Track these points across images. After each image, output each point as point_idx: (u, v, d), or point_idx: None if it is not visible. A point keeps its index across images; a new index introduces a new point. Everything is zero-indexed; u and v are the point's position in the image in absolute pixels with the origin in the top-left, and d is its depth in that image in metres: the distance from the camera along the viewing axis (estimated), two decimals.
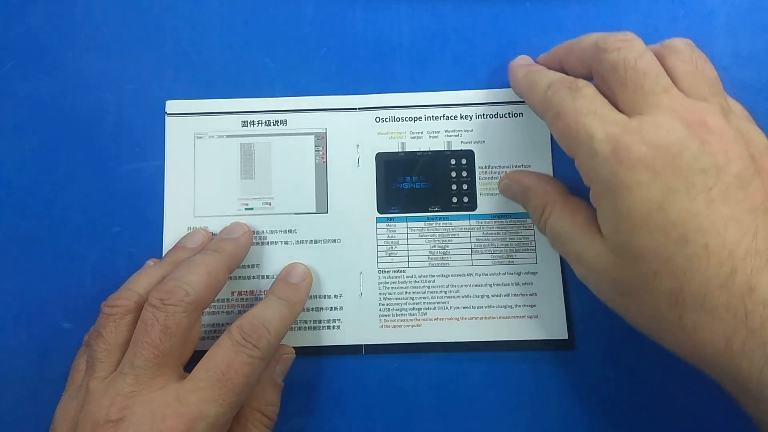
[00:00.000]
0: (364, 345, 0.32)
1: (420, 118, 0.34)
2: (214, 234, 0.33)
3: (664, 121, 0.24)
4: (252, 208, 0.33)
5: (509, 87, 0.33)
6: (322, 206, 0.33)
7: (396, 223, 0.33)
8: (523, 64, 0.32)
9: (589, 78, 0.28)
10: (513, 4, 0.35)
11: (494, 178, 0.33)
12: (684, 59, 0.27)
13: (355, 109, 0.34)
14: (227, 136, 0.34)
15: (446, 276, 0.32)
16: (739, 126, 0.26)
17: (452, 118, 0.34)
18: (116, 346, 0.27)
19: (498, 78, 0.34)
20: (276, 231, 0.33)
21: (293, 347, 0.32)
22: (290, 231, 0.33)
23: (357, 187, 0.33)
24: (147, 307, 0.27)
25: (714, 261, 0.23)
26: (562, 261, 0.32)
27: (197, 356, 0.27)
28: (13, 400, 0.32)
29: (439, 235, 0.33)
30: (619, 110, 0.26)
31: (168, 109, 0.34)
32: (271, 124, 0.34)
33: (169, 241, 0.33)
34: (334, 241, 0.33)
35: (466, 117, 0.34)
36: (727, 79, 0.33)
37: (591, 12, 0.34)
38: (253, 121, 0.34)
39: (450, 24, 0.35)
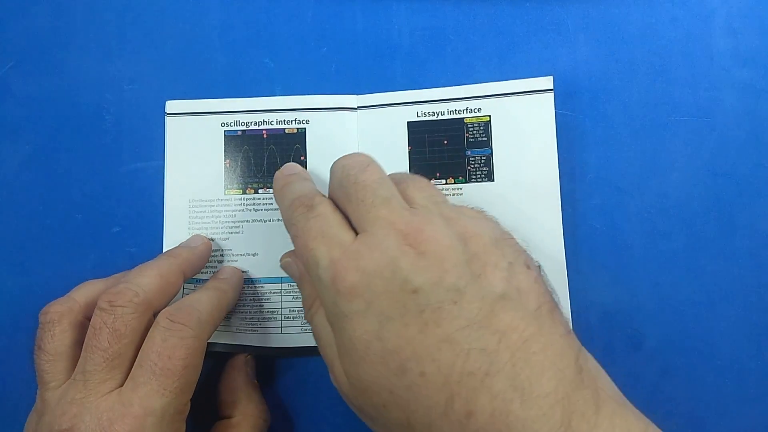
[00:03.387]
0: None
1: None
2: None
3: (379, 240, 0.23)
4: (253, 208, 0.33)
5: (513, 80, 0.33)
6: None
7: None
8: (285, 174, 0.30)
9: None
10: (513, 4, 0.35)
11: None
12: (396, 179, 0.27)
13: (355, 108, 0.34)
14: (227, 136, 0.34)
15: None
16: (461, 224, 0.24)
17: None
18: (58, 355, 0.27)
19: (498, 77, 0.34)
20: (275, 228, 0.33)
21: (294, 347, 0.32)
22: None
23: None
24: (96, 311, 0.26)
25: (431, 389, 0.21)
26: (564, 260, 0.32)
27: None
28: (13, 401, 0.32)
29: None
30: (352, 224, 0.25)
31: (168, 109, 0.34)
32: (271, 123, 0.34)
33: (169, 241, 0.33)
34: None
35: (475, 110, 0.34)
36: (727, 79, 0.33)
37: (591, 12, 0.34)
38: (253, 121, 0.34)
39: (450, 24, 0.35)
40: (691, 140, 0.33)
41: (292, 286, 0.33)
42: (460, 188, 0.33)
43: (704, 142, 0.33)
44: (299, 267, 0.29)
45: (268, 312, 0.33)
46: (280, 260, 0.31)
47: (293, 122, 0.34)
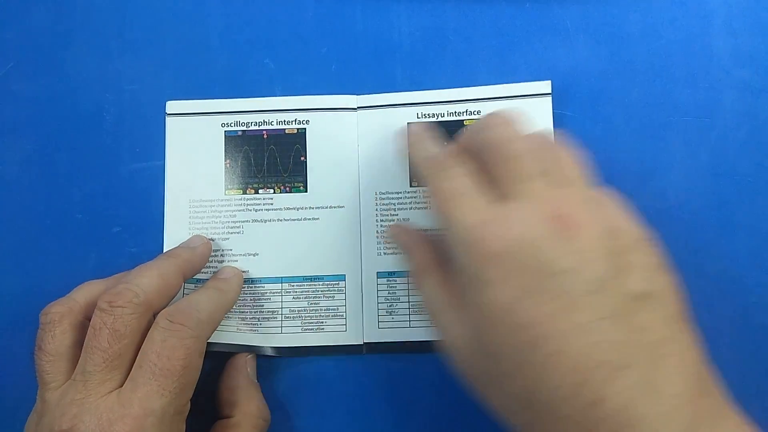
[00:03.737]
0: (365, 344, 0.32)
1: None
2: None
3: (526, 213, 0.23)
4: (253, 208, 0.33)
5: (512, 83, 0.33)
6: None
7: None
8: (415, 132, 0.30)
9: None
10: (513, 4, 0.35)
11: None
12: (547, 148, 0.26)
13: (355, 109, 0.34)
14: (227, 137, 0.34)
15: None
16: (609, 215, 0.24)
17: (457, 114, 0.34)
18: (58, 355, 0.27)
19: (498, 78, 0.34)
20: (275, 228, 0.33)
21: (295, 347, 0.32)
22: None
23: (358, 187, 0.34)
24: (96, 312, 0.26)
25: (562, 370, 0.21)
26: None
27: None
28: (13, 401, 0.32)
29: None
30: (492, 191, 0.25)
31: (168, 109, 0.34)
32: (272, 123, 0.34)
33: (169, 241, 0.33)
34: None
35: (475, 112, 0.34)
36: (727, 79, 0.33)
37: (591, 12, 0.34)
38: (254, 121, 0.34)
39: (450, 24, 0.35)
40: (691, 140, 0.33)
41: (292, 286, 0.33)
42: None
43: (704, 142, 0.33)
44: (402, 241, 0.30)
45: (268, 312, 0.33)
46: (389, 230, 0.32)
47: (293, 122, 0.34)
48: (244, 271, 0.33)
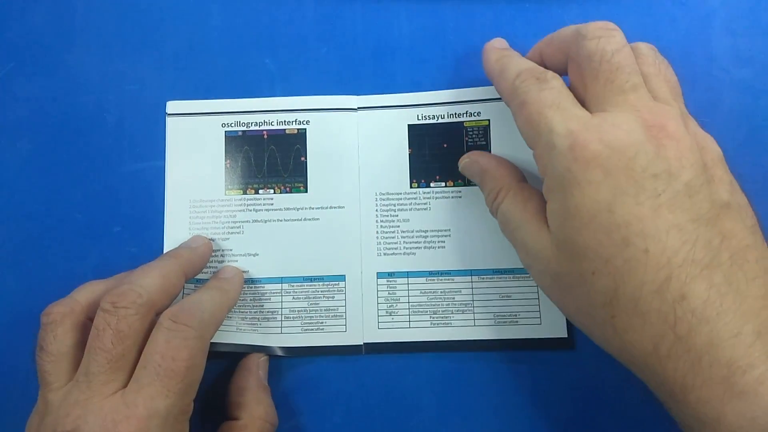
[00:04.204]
0: (365, 344, 0.32)
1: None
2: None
3: (624, 121, 0.24)
4: (253, 208, 0.33)
5: None
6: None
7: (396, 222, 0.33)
8: (498, 47, 0.31)
9: (565, 71, 0.28)
10: (513, 4, 0.35)
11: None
12: (648, 62, 0.27)
13: (356, 109, 0.34)
14: (228, 137, 0.34)
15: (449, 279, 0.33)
16: (696, 133, 0.26)
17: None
18: (60, 356, 0.27)
19: None
20: (275, 228, 0.33)
21: (295, 347, 0.32)
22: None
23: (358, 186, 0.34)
24: (99, 312, 0.26)
25: (651, 266, 0.23)
26: None
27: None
28: (14, 401, 0.32)
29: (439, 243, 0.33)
30: (586, 102, 0.26)
31: (168, 110, 0.34)
32: (272, 124, 0.34)
33: (169, 241, 0.33)
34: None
35: (475, 114, 0.34)
36: (727, 79, 0.33)
37: (591, 12, 0.34)
38: (254, 122, 0.34)
39: (450, 24, 0.35)
40: None
41: (292, 286, 0.33)
42: (459, 191, 0.33)
43: None
44: (481, 164, 0.31)
45: (268, 312, 0.33)
46: (460, 161, 0.32)
47: (294, 123, 0.34)
48: (244, 271, 0.33)
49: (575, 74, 0.27)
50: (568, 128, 0.25)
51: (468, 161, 0.32)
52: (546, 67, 0.28)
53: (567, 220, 0.24)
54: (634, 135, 0.24)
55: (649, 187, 0.23)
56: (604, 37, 0.26)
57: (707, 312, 0.22)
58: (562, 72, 0.28)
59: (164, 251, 0.33)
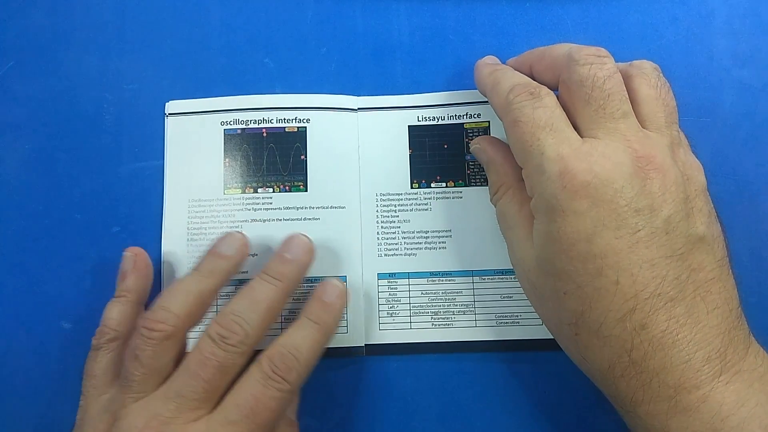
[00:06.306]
0: (366, 346, 0.32)
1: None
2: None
3: (614, 151, 0.25)
4: (252, 208, 0.33)
5: None
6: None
7: (396, 224, 0.33)
8: (490, 63, 0.32)
9: (554, 87, 0.28)
10: (513, 4, 0.35)
11: None
12: (650, 84, 0.27)
13: (356, 110, 0.34)
14: (227, 135, 0.34)
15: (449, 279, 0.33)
16: (685, 162, 0.27)
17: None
18: (154, 370, 0.27)
19: None
20: (274, 228, 0.33)
21: None
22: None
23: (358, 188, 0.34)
24: (206, 338, 0.27)
25: (619, 297, 0.24)
26: None
27: None
28: (14, 400, 0.32)
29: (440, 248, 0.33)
30: (576, 123, 0.26)
31: (168, 109, 0.34)
32: (271, 121, 0.34)
33: (168, 241, 0.33)
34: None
35: (475, 115, 0.34)
36: (727, 79, 0.33)
37: (591, 12, 0.34)
38: (253, 119, 0.34)
39: (450, 24, 0.35)
40: (691, 140, 0.33)
41: None
42: (460, 192, 0.33)
43: (704, 142, 0.33)
44: (489, 154, 0.31)
45: None
46: (471, 145, 0.32)
47: (294, 121, 0.34)
48: (243, 272, 0.33)
49: (566, 96, 0.27)
50: (559, 153, 0.25)
51: (477, 148, 0.32)
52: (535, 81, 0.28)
53: (548, 243, 0.25)
54: (622, 168, 0.24)
55: (631, 222, 0.24)
56: (596, 64, 0.26)
57: (664, 340, 0.24)
58: (552, 88, 0.28)
59: (162, 252, 0.33)
